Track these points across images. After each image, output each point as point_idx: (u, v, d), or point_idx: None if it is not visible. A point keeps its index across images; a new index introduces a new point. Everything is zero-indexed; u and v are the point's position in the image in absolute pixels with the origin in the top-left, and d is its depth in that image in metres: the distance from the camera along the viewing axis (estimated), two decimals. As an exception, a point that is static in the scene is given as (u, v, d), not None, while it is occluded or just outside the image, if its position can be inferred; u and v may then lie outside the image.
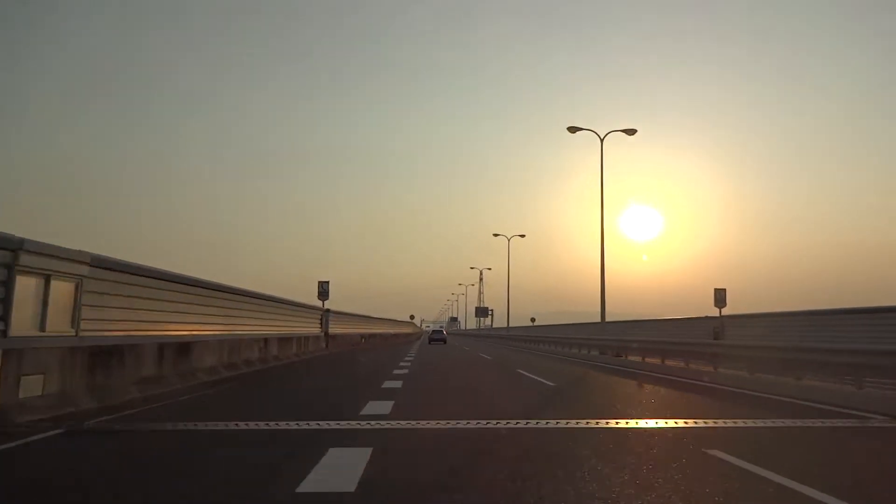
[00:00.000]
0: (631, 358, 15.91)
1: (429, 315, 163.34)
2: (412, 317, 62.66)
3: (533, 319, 53.24)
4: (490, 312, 77.89)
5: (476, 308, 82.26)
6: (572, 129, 25.83)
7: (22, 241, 4.88)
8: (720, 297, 18.47)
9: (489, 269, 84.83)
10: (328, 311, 21.90)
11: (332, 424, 5.19)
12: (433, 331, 50.17)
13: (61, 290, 5.65)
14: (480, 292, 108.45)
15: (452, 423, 5.13)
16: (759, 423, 5.71)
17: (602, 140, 25.39)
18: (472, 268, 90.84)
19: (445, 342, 40.04)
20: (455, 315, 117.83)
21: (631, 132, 24.98)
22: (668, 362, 13.47)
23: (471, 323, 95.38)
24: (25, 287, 5.25)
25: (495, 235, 47.17)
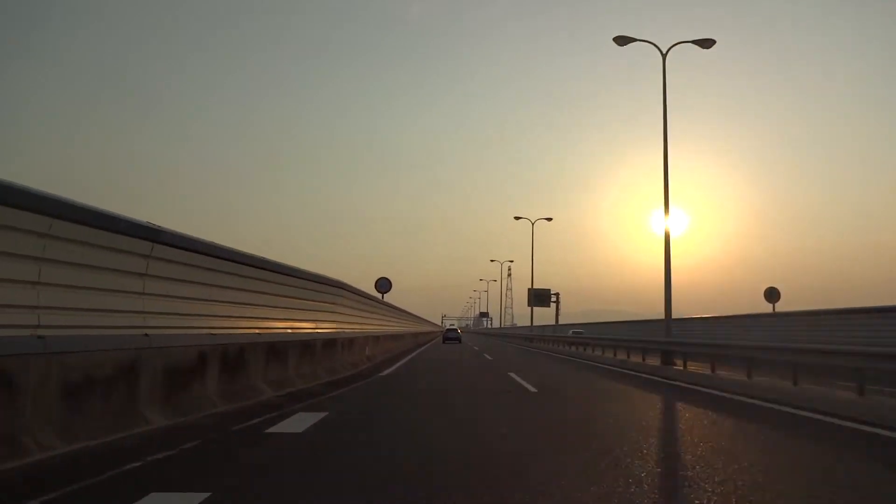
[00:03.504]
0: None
1: (453, 312, 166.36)
2: (383, 284, 27.02)
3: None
4: (555, 298, 59.81)
5: (529, 292, 60.29)
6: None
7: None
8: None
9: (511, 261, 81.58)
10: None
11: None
12: (447, 329, 59.62)
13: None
14: (508, 288, 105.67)
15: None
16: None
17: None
18: (492, 260, 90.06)
19: (460, 341, 48.93)
20: (485, 310, 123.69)
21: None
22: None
23: (521, 317, 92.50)
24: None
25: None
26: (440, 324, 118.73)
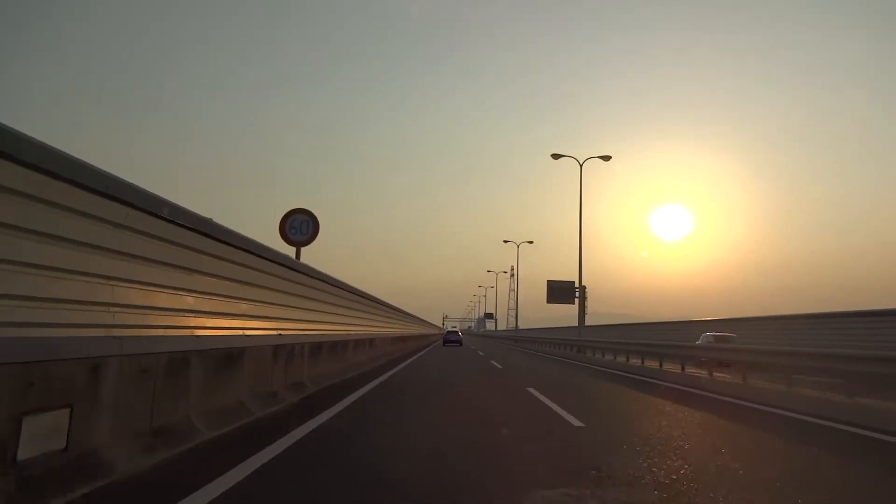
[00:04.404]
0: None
1: (455, 313, 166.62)
2: (297, 227, 14.73)
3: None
4: (580, 292, 45.86)
5: (549, 284, 49.21)
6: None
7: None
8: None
9: (530, 241, 68.31)
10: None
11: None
12: (448, 331, 63.58)
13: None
14: (512, 289, 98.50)
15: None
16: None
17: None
18: (506, 241, 74.36)
19: (461, 344, 52.92)
20: (490, 311, 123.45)
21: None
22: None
23: (535, 314, 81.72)
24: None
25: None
26: (441, 325, 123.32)
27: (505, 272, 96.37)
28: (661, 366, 21.57)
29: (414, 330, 43.15)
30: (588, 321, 53.44)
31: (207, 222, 6.36)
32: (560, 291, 48.61)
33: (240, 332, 7.53)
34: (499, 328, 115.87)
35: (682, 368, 19.68)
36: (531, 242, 67.30)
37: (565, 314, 58.33)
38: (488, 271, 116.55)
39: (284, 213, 13.98)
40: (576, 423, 8.77)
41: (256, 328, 8.30)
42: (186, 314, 6.22)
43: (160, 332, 5.52)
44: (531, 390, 13.50)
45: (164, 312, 5.69)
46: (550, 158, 39.19)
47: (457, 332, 62.45)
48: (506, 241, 66.75)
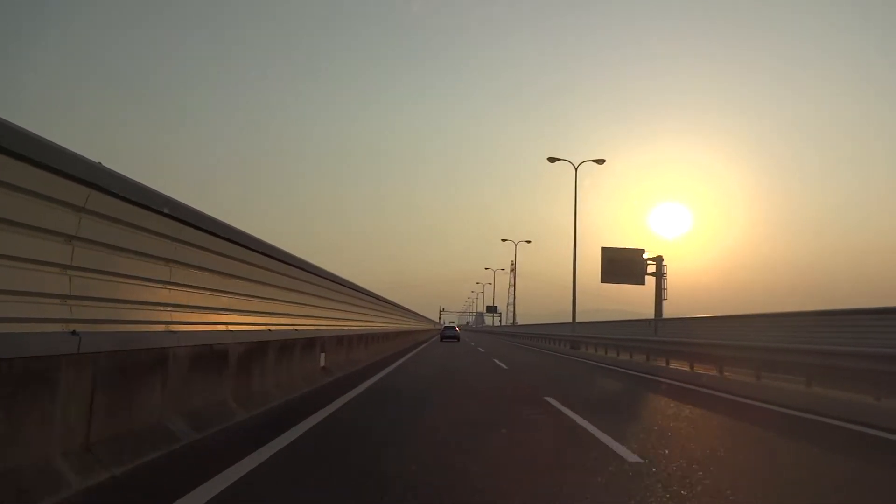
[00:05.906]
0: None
1: (453, 307, 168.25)
2: None
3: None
4: (657, 269, 33.84)
5: (604, 254, 34.78)
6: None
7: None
8: None
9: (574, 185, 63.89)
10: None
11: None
12: (445, 327, 67.56)
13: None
14: (511, 284, 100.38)
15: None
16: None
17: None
18: (504, 240, 77.39)
19: (458, 339, 55.23)
20: (493, 304, 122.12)
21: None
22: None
23: (584, 303, 74.90)
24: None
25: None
26: (438, 319, 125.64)
27: (528, 241, 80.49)
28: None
29: (405, 325, 35.95)
30: (597, 317, 44.01)
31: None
32: (622, 265, 33.51)
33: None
34: (503, 322, 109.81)
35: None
36: (592, 159, 40.65)
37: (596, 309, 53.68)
38: (503, 240, 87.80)
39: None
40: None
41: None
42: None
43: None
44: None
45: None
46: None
47: (454, 327, 65.79)
48: (553, 159, 32.99)
